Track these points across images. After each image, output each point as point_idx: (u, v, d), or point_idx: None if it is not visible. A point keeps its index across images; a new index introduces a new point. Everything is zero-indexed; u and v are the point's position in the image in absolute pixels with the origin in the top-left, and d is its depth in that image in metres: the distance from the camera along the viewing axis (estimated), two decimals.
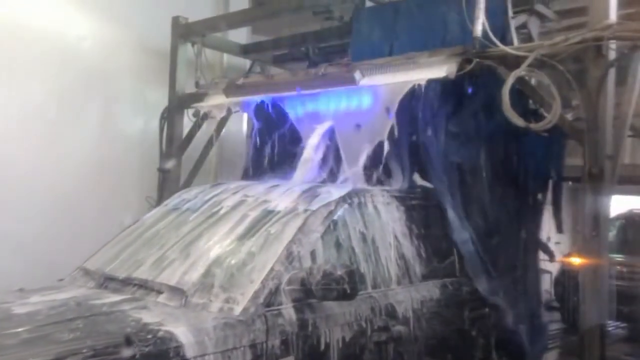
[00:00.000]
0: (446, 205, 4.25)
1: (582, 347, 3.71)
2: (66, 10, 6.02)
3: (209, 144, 6.42)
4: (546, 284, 9.39)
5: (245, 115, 6.91)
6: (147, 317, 2.85)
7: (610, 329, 6.33)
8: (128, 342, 2.55)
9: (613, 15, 3.75)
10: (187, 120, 6.39)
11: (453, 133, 4.41)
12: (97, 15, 6.22)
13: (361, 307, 3.46)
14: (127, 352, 2.54)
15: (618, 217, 8.32)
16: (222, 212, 3.86)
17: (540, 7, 4.88)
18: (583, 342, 3.70)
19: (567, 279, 7.86)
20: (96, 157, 6.24)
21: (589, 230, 3.71)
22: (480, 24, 3.98)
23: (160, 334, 2.65)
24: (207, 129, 6.32)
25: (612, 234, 7.54)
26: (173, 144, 6.41)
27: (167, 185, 6.18)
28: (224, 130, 6.38)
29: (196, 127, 6.28)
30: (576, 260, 6.85)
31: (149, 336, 2.61)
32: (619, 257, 7.28)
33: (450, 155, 4.38)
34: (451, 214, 4.24)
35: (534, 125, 3.83)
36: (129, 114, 6.61)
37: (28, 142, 5.68)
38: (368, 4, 5.30)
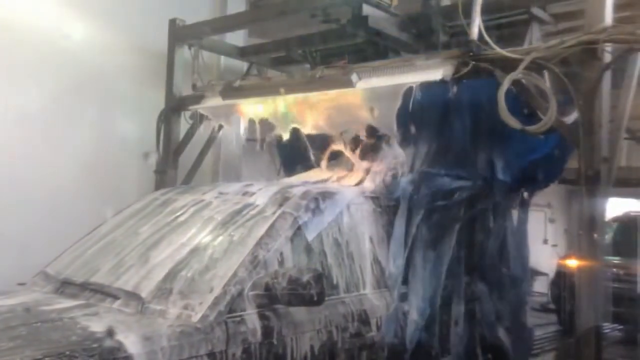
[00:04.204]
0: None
1: (577, 349, 3.71)
2: (63, 13, 6.01)
3: (206, 146, 6.42)
4: (543, 287, 9.46)
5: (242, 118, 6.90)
6: (96, 325, 2.71)
7: (606, 331, 6.34)
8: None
9: (609, 18, 3.76)
10: (184, 123, 6.39)
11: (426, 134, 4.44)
12: (95, 18, 6.21)
13: (332, 313, 3.33)
14: (109, 342, 2.49)
15: (614, 220, 8.35)
16: (188, 214, 3.74)
17: (537, 11, 4.90)
18: (579, 345, 3.70)
19: (563, 281, 7.88)
20: (93, 159, 6.23)
21: (584, 232, 3.71)
22: (476, 27, 3.99)
23: (107, 343, 2.51)
24: (204, 131, 6.32)
25: (608, 237, 7.56)
26: (170, 146, 6.41)
27: (163, 187, 6.17)
28: (221, 132, 6.39)
29: (193, 129, 6.28)
30: (572, 263, 6.87)
31: (94, 345, 2.47)
32: (615, 260, 7.30)
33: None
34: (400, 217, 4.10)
35: (530, 128, 3.83)
36: (126, 116, 6.60)
37: (25, 144, 5.67)
38: (365, 7, 5.30)
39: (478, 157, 4.47)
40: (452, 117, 4.50)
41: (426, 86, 4.15)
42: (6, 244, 5.29)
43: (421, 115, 4.40)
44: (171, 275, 3.13)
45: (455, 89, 4.10)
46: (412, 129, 4.47)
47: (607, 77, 3.77)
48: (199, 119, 6.12)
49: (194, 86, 6.29)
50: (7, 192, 5.47)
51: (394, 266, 3.90)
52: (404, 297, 3.87)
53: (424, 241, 4.06)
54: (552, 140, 4.31)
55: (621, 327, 7.48)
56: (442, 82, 4.07)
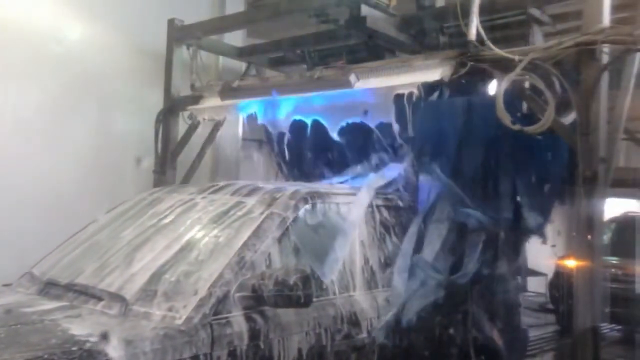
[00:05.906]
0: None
1: (575, 349, 3.72)
2: (62, 13, 6.02)
3: (205, 146, 6.41)
4: (541, 287, 9.46)
5: (240, 118, 6.90)
6: (77, 328, 2.64)
7: (604, 331, 6.34)
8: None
9: (606, 19, 3.77)
10: (183, 123, 6.39)
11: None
12: (93, 18, 6.21)
13: (321, 315, 3.27)
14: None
15: (612, 220, 8.35)
16: (174, 214, 3.68)
17: (534, 12, 4.90)
18: (576, 345, 3.71)
19: (561, 282, 7.88)
20: (91, 160, 6.24)
21: (583, 233, 3.72)
22: (474, 27, 3.99)
23: (87, 346, 2.44)
24: (203, 131, 6.32)
25: (606, 237, 7.57)
26: (168, 146, 6.40)
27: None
28: (219, 132, 6.39)
29: (191, 129, 6.27)
30: (570, 263, 6.87)
31: (74, 348, 2.42)
32: (613, 260, 7.30)
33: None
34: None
35: (528, 128, 3.84)
36: (124, 116, 6.60)
37: (23, 145, 5.67)
38: (363, 8, 5.30)
39: (503, 196, 4.43)
40: (472, 149, 4.48)
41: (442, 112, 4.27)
42: (4, 245, 5.29)
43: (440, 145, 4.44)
44: (156, 277, 3.07)
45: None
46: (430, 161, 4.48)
47: (605, 78, 3.78)
48: (197, 119, 6.12)
49: (192, 86, 6.29)
50: (6, 192, 5.47)
51: (399, 278, 3.84)
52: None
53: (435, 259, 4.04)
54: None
55: (619, 327, 7.48)
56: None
